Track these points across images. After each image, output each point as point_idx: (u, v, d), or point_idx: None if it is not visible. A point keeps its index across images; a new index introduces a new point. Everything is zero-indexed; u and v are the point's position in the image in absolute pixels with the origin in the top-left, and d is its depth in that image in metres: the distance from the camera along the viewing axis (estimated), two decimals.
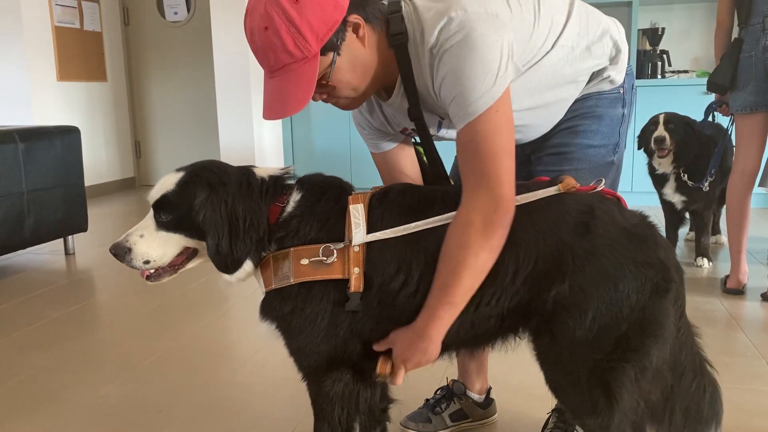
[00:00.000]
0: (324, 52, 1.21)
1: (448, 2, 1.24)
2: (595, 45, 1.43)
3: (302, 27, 1.17)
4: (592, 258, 1.20)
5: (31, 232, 3.59)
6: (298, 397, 2.06)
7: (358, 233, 1.26)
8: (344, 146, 5.56)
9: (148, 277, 1.37)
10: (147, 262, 1.32)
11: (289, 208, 1.32)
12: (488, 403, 1.87)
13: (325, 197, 1.33)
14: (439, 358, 1.33)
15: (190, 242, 1.33)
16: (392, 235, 1.26)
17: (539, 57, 1.35)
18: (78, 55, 5.96)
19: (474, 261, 1.19)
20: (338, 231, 1.28)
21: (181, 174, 1.31)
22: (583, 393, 1.24)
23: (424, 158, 1.54)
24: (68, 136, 3.84)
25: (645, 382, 1.22)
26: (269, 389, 2.16)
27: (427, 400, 1.87)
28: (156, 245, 1.31)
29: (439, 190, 1.36)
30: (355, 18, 1.24)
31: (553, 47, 1.36)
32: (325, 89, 1.29)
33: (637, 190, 4.88)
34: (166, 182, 1.31)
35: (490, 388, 1.88)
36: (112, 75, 6.46)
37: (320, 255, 1.26)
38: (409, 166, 1.57)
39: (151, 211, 1.33)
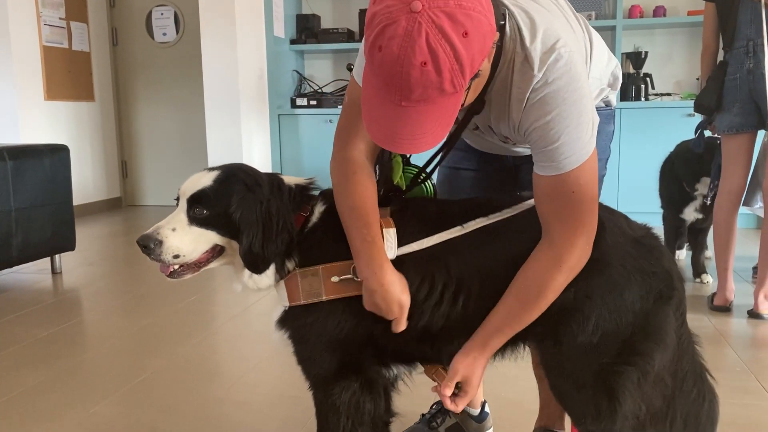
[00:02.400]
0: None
1: (553, 32, 1.16)
2: (603, 74, 1.46)
3: (465, 64, 0.99)
4: (601, 267, 1.24)
5: (18, 251, 3.55)
6: (292, 415, 2.06)
7: (390, 253, 1.28)
8: None
9: (170, 274, 1.35)
10: (177, 256, 1.31)
11: (314, 218, 1.36)
12: (484, 417, 1.87)
13: None
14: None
15: (220, 240, 1.34)
16: (418, 248, 1.29)
17: None
18: (66, 75, 5.96)
19: (553, 298, 1.24)
20: None
21: (217, 172, 1.34)
22: (587, 397, 1.27)
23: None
24: (57, 154, 3.82)
25: (647, 386, 1.25)
26: (263, 407, 2.15)
27: (423, 414, 1.87)
28: (188, 240, 1.31)
29: (456, 203, 1.39)
30: (496, 35, 1.11)
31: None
32: None
33: (623, 209, 4.94)
34: (202, 179, 1.33)
35: (485, 402, 1.89)
36: (100, 95, 6.45)
37: (351, 273, 1.29)
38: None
39: (183, 206, 1.32)
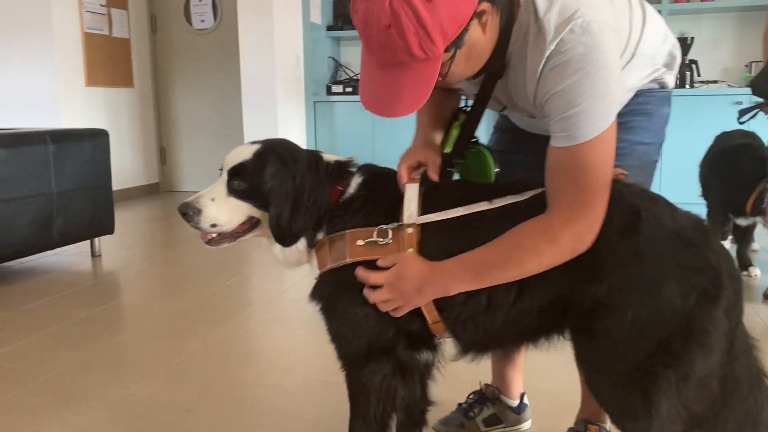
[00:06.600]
0: (447, 49, 1.09)
1: (573, 3, 1.13)
2: (657, 52, 1.39)
3: (432, 29, 1.03)
4: (633, 259, 1.16)
5: (59, 233, 3.61)
6: (325, 399, 2.04)
7: (410, 209, 1.27)
8: (368, 153, 5.56)
9: (208, 241, 1.39)
10: (214, 225, 1.35)
11: (351, 190, 1.36)
12: (522, 408, 1.83)
13: (384, 184, 1.35)
14: (481, 357, 1.32)
15: (256, 212, 1.37)
16: (443, 217, 1.26)
17: (622, 66, 1.29)
18: (106, 61, 6.04)
19: (532, 268, 1.18)
20: (394, 216, 1.29)
21: (257, 146, 1.37)
22: (622, 396, 1.20)
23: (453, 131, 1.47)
24: (97, 139, 3.87)
25: (688, 390, 1.15)
26: (297, 391, 2.14)
27: (460, 404, 1.84)
28: (225, 210, 1.34)
29: (492, 187, 1.35)
30: (484, 6, 1.11)
31: (633, 57, 1.31)
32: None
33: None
34: (242, 151, 1.36)
35: (523, 393, 1.84)
36: (139, 81, 6.53)
37: (375, 236, 1.27)
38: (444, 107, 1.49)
39: (224, 177, 1.36)
